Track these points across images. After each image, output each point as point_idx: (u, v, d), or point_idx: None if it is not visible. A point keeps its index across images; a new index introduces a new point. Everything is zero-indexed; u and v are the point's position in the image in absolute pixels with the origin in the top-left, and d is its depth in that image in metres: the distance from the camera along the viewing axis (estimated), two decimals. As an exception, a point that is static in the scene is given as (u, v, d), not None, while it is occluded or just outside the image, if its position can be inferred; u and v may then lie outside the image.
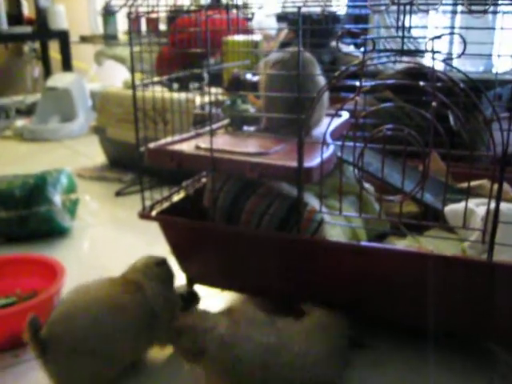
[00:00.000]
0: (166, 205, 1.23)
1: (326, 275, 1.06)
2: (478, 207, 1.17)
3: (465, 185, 1.38)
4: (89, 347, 0.94)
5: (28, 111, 3.69)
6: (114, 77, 3.85)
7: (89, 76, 4.08)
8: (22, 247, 1.63)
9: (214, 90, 1.46)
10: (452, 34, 0.84)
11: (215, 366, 0.89)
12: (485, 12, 0.91)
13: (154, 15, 1.17)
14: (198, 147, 1.13)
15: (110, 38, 3.67)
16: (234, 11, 1.45)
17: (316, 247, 1.06)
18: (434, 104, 0.81)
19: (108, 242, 1.71)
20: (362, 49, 0.86)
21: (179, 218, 1.16)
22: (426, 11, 1.06)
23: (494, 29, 1.38)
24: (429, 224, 1.14)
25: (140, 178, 1.19)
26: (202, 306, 1.27)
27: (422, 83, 0.85)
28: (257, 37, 2.22)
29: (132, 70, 1.17)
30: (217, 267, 1.20)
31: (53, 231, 1.71)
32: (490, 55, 1.01)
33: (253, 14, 1.49)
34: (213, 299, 1.28)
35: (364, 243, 1.11)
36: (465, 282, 0.97)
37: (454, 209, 1.17)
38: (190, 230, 1.17)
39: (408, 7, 0.84)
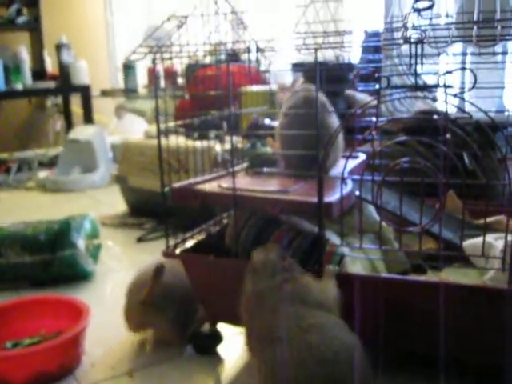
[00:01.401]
0: (188, 244, 1.26)
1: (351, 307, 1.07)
2: (497, 241, 1.19)
3: (482, 221, 1.39)
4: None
5: (50, 163, 3.78)
6: (134, 130, 3.95)
7: (109, 129, 4.19)
8: (46, 291, 1.65)
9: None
10: (463, 68, 0.88)
11: None
12: (494, 53, 0.96)
13: (172, 68, 1.23)
14: (220, 186, 1.17)
15: (129, 91, 3.78)
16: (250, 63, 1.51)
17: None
18: (448, 136, 0.84)
19: (130, 285, 1.74)
20: (377, 86, 0.90)
21: (202, 255, 1.18)
22: (437, 55, 1.10)
23: (504, 62, 1.42)
24: (449, 255, 1.15)
25: (164, 218, 1.23)
26: (225, 345, 1.28)
27: (437, 118, 0.88)
28: (273, 86, 2.30)
29: (157, 116, 1.22)
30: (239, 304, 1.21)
31: (76, 275, 1.74)
32: (503, 88, 1.05)
33: (269, 65, 1.55)
34: (235, 338, 1.29)
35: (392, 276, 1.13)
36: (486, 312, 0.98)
37: (472, 243, 1.19)
38: (213, 267, 1.19)
39: (419, 46, 0.88)
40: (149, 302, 1.25)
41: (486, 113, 0.96)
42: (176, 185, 1.19)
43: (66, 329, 1.28)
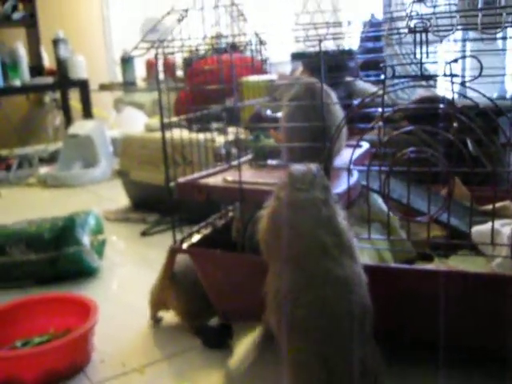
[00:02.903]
0: (195, 238, 1.26)
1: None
2: (504, 227, 1.19)
3: (488, 207, 1.39)
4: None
5: (50, 159, 3.77)
6: (133, 123, 3.93)
7: (109, 123, 4.18)
8: (51, 288, 1.66)
9: (233, 129, 1.51)
10: (466, 57, 0.87)
11: None
12: (495, 38, 0.95)
13: (171, 61, 1.23)
14: (225, 180, 1.17)
15: (128, 84, 3.77)
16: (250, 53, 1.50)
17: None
18: (455, 125, 0.84)
19: (136, 279, 1.74)
20: (382, 76, 0.90)
21: (209, 250, 1.18)
22: (440, 40, 1.10)
23: (504, 50, 1.41)
24: (456, 243, 1.15)
25: (171, 213, 1.22)
26: (235, 339, 1.28)
27: (442, 106, 0.88)
28: (273, 76, 2.28)
29: (160, 110, 1.21)
30: (247, 298, 1.21)
31: (82, 271, 1.74)
32: (504, 75, 1.04)
33: (269, 54, 1.54)
34: (245, 331, 1.30)
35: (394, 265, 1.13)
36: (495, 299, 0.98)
37: (480, 230, 1.19)
38: (220, 261, 1.19)
39: (423, 36, 0.88)
40: (166, 277, 1.32)
41: (490, 99, 0.95)
42: (181, 179, 1.19)
43: (74, 326, 1.28)
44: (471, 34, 1.37)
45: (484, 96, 0.89)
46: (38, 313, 1.36)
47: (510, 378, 1.05)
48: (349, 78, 2.12)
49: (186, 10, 1.19)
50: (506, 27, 0.81)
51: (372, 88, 2.17)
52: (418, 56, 0.90)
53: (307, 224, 0.90)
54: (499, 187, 1.51)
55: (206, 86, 1.36)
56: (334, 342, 0.83)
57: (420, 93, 1.88)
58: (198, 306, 1.34)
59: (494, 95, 1.85)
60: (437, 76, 0.85)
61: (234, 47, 1.46)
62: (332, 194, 0.94)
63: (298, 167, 0.96)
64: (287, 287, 0.87)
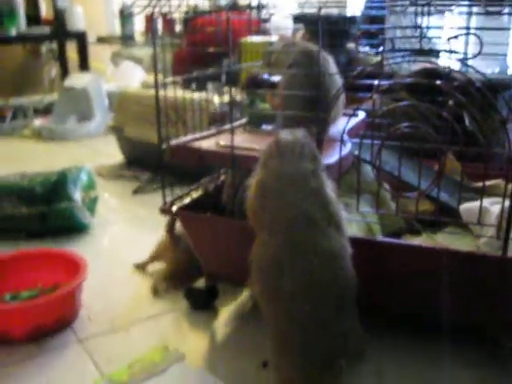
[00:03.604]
0: (186, 200, 1.26)
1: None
2: (493, 206, 1.19)
3: (479, 184, 1.39)
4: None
5: (45, 110, 3.73)
6: (131, 77, 3.88)
7: (105, 76, 4.12)
8: (42, 243, 1.66)
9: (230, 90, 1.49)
10: (468, 34, 0.86)
11: None
12: (500, 13, 0.93)
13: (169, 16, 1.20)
14: (218, 144, 1.16)
15: (127, 38, 3.71)
16: (251, 12, 1.48)
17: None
18: (450, 102, 0.83)
19: (126, 237, 1.75)
20: (380, 48, 0.88)
21: (199, 214, 1.19)
22: (442, 12, 1.08)
23: (509, 29, 1.39)
24: (444, 220, 1.16)
25: (161, 175, 1.22)
26: (221, 301, 1.30)
27: (438, 82, 0.87)
28: (273, 37, 2.25)
29: (155, 70, 1.20)
30: (235, 262, 1.22)
31: (73, 227, 1.75)
32: (505, 55, 1.03)
33: (270, 15, 1.51)
34: (231, 294, 1.31)
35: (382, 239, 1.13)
36: (480, 278, 0.99)
37: (468, 207, 1.19)
38: (209, 224, 1.19)
39: (425, 8, 0.86)
40: (167, 232, 1.40)
41: (486, 77, 0.94)
42: (173, 142, 1.18)
43: (62, 282, 1.29)
44: (476, 8, 1.35)
45: (481, 74, 0.88)
46: (27, 267, 1.37)
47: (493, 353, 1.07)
48: (350, 45, 2.09)
49: (186, -32, 1.16)
50: (510, 5, 0.80)
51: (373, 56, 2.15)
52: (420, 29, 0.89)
53: (295, 195, 0.89)
54: (493, 164, 1.51)
55: (204, 44, 1.34)
56: (316, 312, 0.84)
57: (422, 64, 1.85)
58: (191, 269, 1.36)
59: (496, 70, 1.83)
60: (436, 51, 0.83)
61: (234, 7, 1.43)
62: (321, 164, 0.94)
63: (286, 135, 0.95)
64: (272, 256, 0.87)
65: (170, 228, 1.39)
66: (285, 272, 0.85)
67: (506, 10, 0.94)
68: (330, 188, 0.92)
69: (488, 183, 1.35)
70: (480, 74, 0.90)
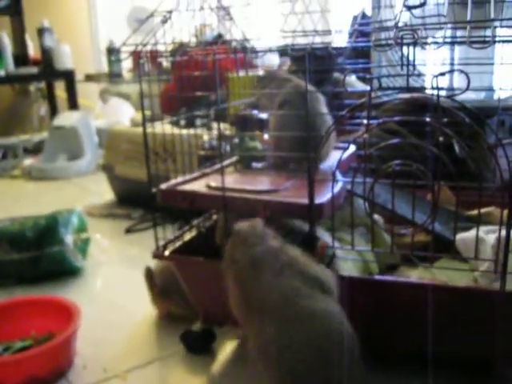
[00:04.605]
0: (178, 243, 1.25)
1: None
2: (488, 235, 1.18)
3: (473, 213, 1.39)
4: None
5: (35, 150, 3.73)
6: (119, 114, 3.90)
7: (94, 113, 4.14)
8: (34, 288, 1.64)
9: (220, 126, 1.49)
10: (454, 71, 0.86)
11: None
12: (484, 46, 0.94)
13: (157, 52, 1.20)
14: (208, 186, 1.15)
15: (114, 75, 3.73)
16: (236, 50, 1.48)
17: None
18: (440, 139, 0.83)
19: (120, 279, 1.73)
20: (368, 87, 0.89)
21: (192, 257, 1.17)
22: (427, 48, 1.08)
23: (492, 64, 1.40)
24: (439, 256, 1.15)
25: (153, 219, 1.21)
26: (218, 343, 1.28)
27: (428, 119, 0.87)
28: (260, 72, 2.26)
29: (142, 110, 1.20)
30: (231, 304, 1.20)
31: (65, 271, 1.72)
32: (492, 89, 1.03)
33: (256, 52, 1.52)
34: (228, 336, 1.29)
35: (378, 277, 1.12)
36: (478, 312, 0.98)
37: (464, 238, 1.18)
38: (204, 268, 1.18)
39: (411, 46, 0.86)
40: (156, 293, 1.41)
41: (474, 111, 0.94)
42: (163, 186, 1.18)
43: (56, 329, 1.27)
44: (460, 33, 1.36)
45: (464, 106, 0.88)
46: (19, 315, 1.34)
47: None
48: (336, 74, 2.10)
49: (170, 12, 1.17)
50: (495, 42, 0.80)
51: (361, 85, 2.16)
52: (406, 67, 0.89)
53: (272, 275, 0.90)
54: (485, 192, 1.51)
55: (191, 81, 1.34)
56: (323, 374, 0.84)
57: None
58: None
59: (482, 95, 1.84)
60: (422, 89, 0.83)
61: (222, 42, 1.44)
62: (284, 242, 0.96)
63: (242, 225, 0.98)
64: (274, 338, 0.86)
65: (150, 282, 1.41)
66: (289, 347, 0.85)
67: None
68: (302, 257, 0.94)
69: (481, 211, 1.34)
70: (466, 107, 0.90)
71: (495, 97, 1.85)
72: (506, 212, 0.94)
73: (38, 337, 1.28)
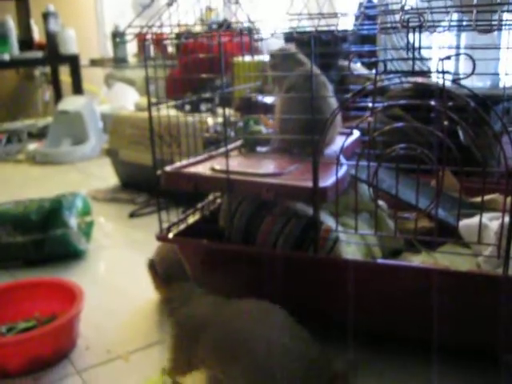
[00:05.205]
0: (182, 226, 1.25)
1: (343, 292, 1.07)
2: (491, 221, 1.18)
3: (477, 199, 1.39)
4: None
5: (39, 134, 3.73)
6: (124, 99, 3.89)
7: (99, 99, 4.13)
8: (38, 270, 1.65)
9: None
10: (459, 54, 0.86)
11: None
12: (490, 31, 0.93)
13: (162, 36, 1.20)
14: (213, 169, 1.15)
15: (119, 60, 3.72)
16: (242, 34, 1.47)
17: (333, 265, 1.08)
18: (445, 123, 0.83)
19: (123, 263, 1.73)
20: (374, 71, 0.88)
21: (196, 240, 1.17)
22: (433, 31, 1.08)
23: (499, 48, 1.39)
24: (444, 240, 1.15)
25: (157, 201, 1.21)
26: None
27: (432, 103, 0.86)
28: (265, 57, 2.25)
29: (148, 93, 1.19)
30: (234, 287, 1.21)
31: (69, 254, 1.73)
32: (498, 74, 1.03)
33: (261, 37, 1.51)
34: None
35: (381, 261, 1.12)
36: (481, 296, 0.98)
37: (467, 224, 1.18)
38: (207, 251, 1.18)
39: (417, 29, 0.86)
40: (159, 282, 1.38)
41: (481, 97, 0.94)
42: (168, 168, 1.18)
43: (59, 311, 1.27)
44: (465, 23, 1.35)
45: (472, 92, 0.87)
46: (22, 297, 1.35)
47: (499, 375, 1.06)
48: (342, 62, 2.09)
49: (176, -6, 1.16)
50: (501, 26, 0.79)
51: (366, 73, 2.15)
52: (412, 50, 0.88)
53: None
54: (489, 179, 1.51)
55: (197, 66, 1.34)
56: None
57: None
58: None
59: (488, 83, 1.83)
60: (428, 72, 0.83)
61: (226, 27, 1.43)
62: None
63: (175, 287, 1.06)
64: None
65: (153, 273, 1.41)
66: None
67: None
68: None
69: (485, 198, 1.34)
70: (472, 93, 0.89)
71: (501, 85, 1.84)
72: (509, 199, 0.94)
73: (41, 318, 1.29)
